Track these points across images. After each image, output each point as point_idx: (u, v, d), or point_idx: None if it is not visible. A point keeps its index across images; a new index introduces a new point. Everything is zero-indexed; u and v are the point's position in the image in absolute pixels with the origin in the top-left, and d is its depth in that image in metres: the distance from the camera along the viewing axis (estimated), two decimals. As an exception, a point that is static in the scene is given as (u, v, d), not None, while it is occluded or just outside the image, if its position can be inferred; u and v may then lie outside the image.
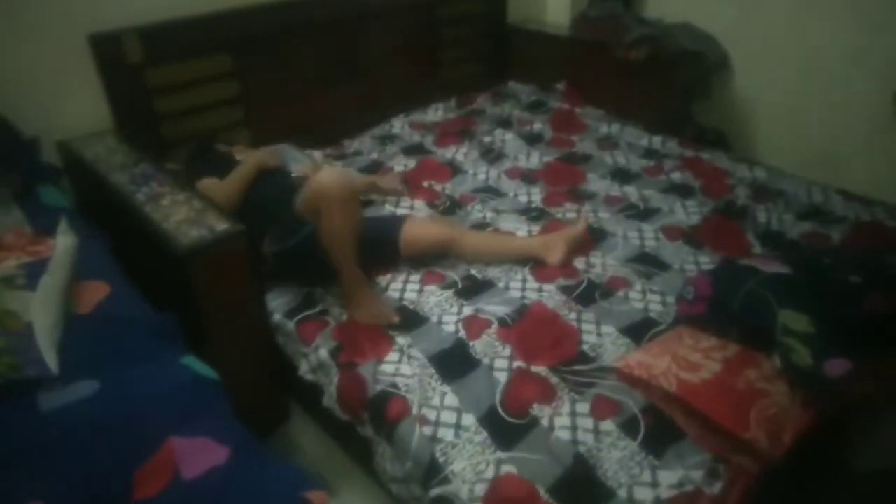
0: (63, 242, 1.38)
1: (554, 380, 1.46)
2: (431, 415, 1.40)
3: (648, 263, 1.85)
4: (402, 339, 1.59)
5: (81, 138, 2.04)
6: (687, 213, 2.09)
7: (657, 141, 2.56)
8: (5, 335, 1.19)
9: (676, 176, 2.31)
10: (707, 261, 1.85)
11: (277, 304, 1.76)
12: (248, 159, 1.92)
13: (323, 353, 1.61)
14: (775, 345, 1.28)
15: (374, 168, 2.44)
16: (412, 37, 2.83)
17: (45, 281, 1.29)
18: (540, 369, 1.49)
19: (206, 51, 2.23)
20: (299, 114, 2.55)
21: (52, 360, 1.19)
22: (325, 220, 1.60)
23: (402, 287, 1.79)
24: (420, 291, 1.77)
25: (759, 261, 1.48)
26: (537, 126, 2.71)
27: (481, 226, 2.05)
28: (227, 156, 2.08)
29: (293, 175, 2.03)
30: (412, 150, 2.56)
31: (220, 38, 2.25)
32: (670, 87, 2.67)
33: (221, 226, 1.57)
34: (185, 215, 1.62)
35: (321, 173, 1.65)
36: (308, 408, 1.85)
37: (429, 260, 1.88)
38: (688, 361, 1.35)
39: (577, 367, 1.49)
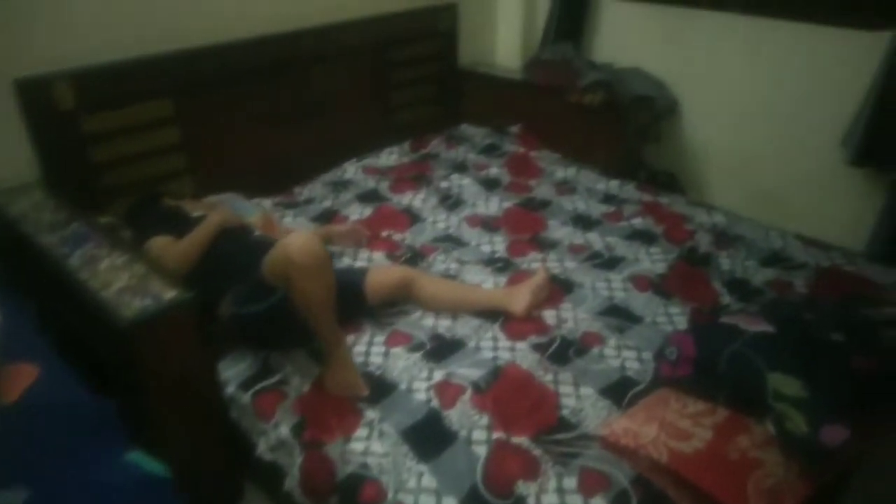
0: (-16, 323, 1.21)
1: (536, 451, 1.38)
2: (408, 499, 1.28)
3: (620, 316, 1.81)
4: (371, 412, 1.48)
5: (5, 192, 1.86)
6: (652, 260, 2.06)
7: (615, 185, 2.55)
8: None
9: (637, 222, 2.29)
10: (678, 311, 1.82)
11: (231, 373, 1.61)
12: (211, 218, 1.79)
13: (284, 430, 1.47)
14: (767, 410, 1.24)
15: (328, 217, 2.33)
16: (363, 79, 2.76)
17: (-38, 370, 1.12)
18: (521, 440, 1.40)
19: (145, 96, 2.10)
20: (246, 160, 2.42)
21: (-29, 468, 1.02)
22: (299, 287, 1.50)
23: (367, 350, 1.68)
24: (386, 354, 1.66)
25: (740, 318, 1.45)
26: (493, 170, 2.67)
27: (446, 278, 1.97)
28: (175, 210, 1.92)
29: (255, 234, 1.90)
30: (367, 196, 2.47)
31: (161, 82, 2.12)
32: (623, 131, 2.69)
33: (169, 293, 1.43)
34: (127, 282, 1.46)
35: (289, 238, 1.54)
36: (267, 491, 1.68)
37: (393, 318, 1.78)
38: (677, 428, 1.29)
39: (559, 437, 1.41)
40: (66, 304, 1.49)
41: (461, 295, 1.85)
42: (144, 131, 2.12)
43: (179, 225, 1.80)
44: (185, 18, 2.15)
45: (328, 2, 2.54)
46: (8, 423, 1.12)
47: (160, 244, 1.71)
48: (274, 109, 2.46)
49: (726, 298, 1.87)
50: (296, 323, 1.55)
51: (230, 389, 1.59)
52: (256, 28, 2.33)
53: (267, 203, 2.39)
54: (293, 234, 1.56)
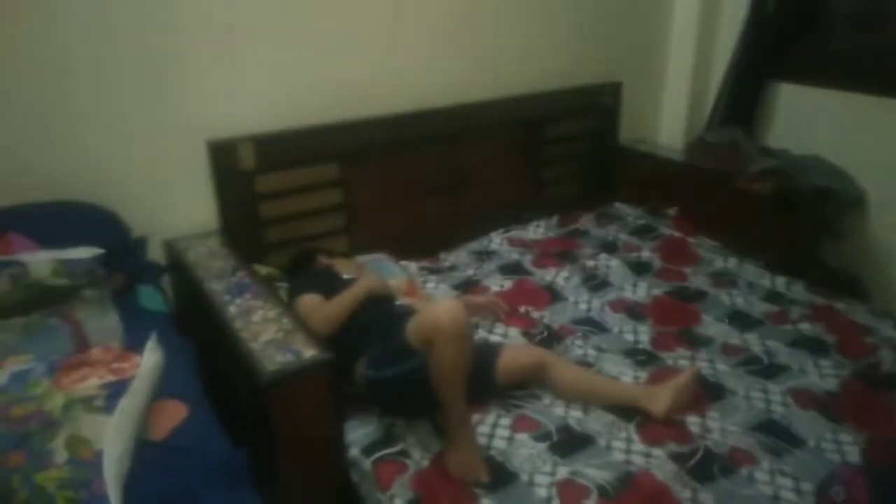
0: (148, 361, 1.33)
1: (665, 581, 1.23)
2: None
3: (777, 435, 1.60)
4: (487, 501, 1.41)
5: (187, 238, 2.07)
6: (821, 375, 1.82)
7: (781, 283, 2.32)
8: (74, 464, 1.13)
9: (806, 327, 2.05)
10: (849, 440, 1.58)
11: (356, 436, 1.63)
12: (360, 284, 1.85)
13: (399, 503, 1.45)
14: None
15: (470, 286, 2.34)
16: (518, 152, 2.79)
17: (124, 403, 1.23)
18: (647, 563, 1.27)
19: (314, 160, 2.26)
20: (398, 224, 2.52)
21: (114, 497, 1.11)
22: (439, 353, 1.50)
23: (491, 431, 1.63)
24: (510, 440, 1.60)
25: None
26: (645, 254, 2.55)
27: (582, 365, 1.88)
28: (328, 271, 2.03)
29: (398, 303, 1.96)
30: (509, 268, 2.45)
31: (329, 148, 2.28)
32: (796, 225, 2.46)
33: (309, 352, 1.49)
34: (274, 335, 1.55)
35: (437, 305, 1.57)
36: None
37: (522, 401, 1.72)
38: (840, 590, 1.09)
39: (693, 567, 1.26)
40: (220, 350, 1.61)
41: (597, 386, 1.75)
42: (310, 191, 2.28)
43: (330, 284, 1.89)
44: (354, 90, 2.31)
45: (493, 78, 2.62)
46: (151, 461, 1.21)
47: (309, 303, 1.80)
48: (427, 178, 2.55)
49: (913, 432, 1.60)
50: (429, 391, 1.55)
51: (354, 452, 1.60)
52: (417, 103, 2.45)
53: (413, 267, 2.46)
54: (443, 300, 1.58)
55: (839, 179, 2.50)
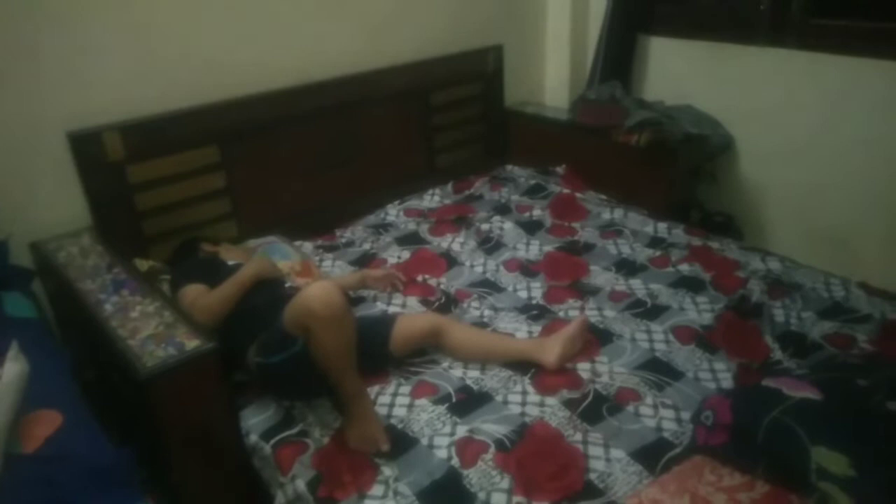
0: (10, 372, 1.25)
1: (558, 520, 1.29)
2: (419, 566, 1.22)
3: (659, 371, 1.70)
4: (388, 470, 1.43)
5: (57, 238, 1.95)
6: (698, 310, 1.95)
7: (663, 228, 2.44)
8: (-71, 489, 1.05)
9: (685, 268, 2.18)
10: (723, 367, 1.70)
11: (254, 423, 1.60)
12: (244, 271, 1.79)
13: (300, 484, 1.44)
14: (809, 489, 1.12)
15: (367, 260, 2.33)
16: (407, 122, 2.78)
17: (-16, 419, 1.15)
18: (542, 506, 1.32)
19: (192, 144, 2.16)
20: (289, 204, 2.47)
21: (-20, 520, 1.04)
22: (316, 338, 1.48)
23: (391, 401, 1.64)
24: (411, 406, 1.62)
25: (784, 382, 1.33)
26: (537, 212, 2.61)
27: (478, 325, 1.92)
28: (211, 258, 1.96)
29: (287, 285, 1.91)
30: (406, 239, 2.46)
31: (207, 130, 2.19)
32: (673, 172, 2.59)
33: (192, 342, 1.44)
34: (154, 329, 1.49)
35: (308, 288, 1.52)
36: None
37: (421, 367, 1.74)
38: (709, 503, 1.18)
39: (583, 504, 1.33)
40: (97, 351, 1.53)
41: (491, 344, 1.80)
42: (190, 178, 2.19)
43: (214, 272, 1.83)
44: (227, 69, 2.22)
45: (371, 48, 2.58)
46: (21, 476, 1.14)
47: (192, 294, 1.73)
48: (316, 154, 2.50)
49: (778, 354, 1.74)
50: (317, 373, 1.53)
51: (253, 438, 1.58)
52: (301, 77, 2.39)
53: (308, 246, 2.42)
54: (314, 284, 1.55)
55: (709, 126, 2.64)
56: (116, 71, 2.00)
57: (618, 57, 2.88)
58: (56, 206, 1.98)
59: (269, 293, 1.79)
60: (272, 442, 1.54)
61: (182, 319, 1.54)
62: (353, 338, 1.52)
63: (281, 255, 2.22)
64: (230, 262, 1.92)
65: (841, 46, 2.29)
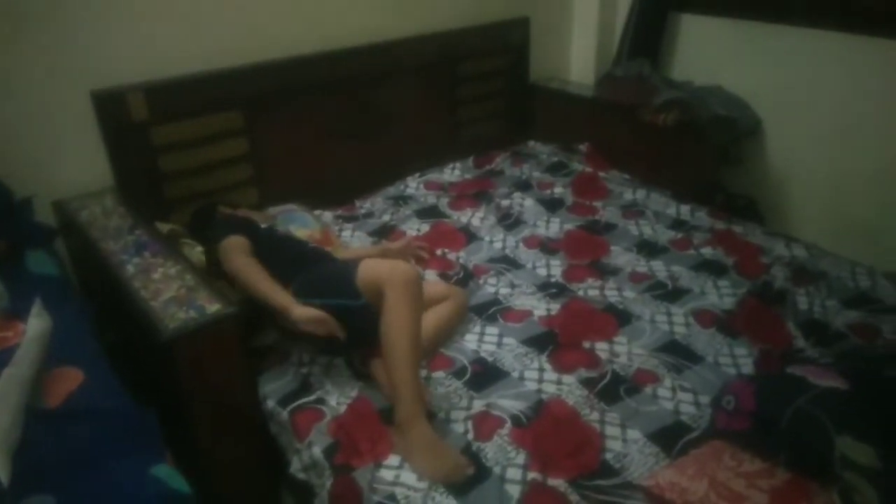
0: (34, 327, 1.26)
1: (573, 497, 1.29)
2: (433, 536, 1.23)
3: (678, 354, 1.69)
4: (404, 440, 1.44)
5: (79, 198, 1.96)
6: (720, 295, 1.92)
7: (686, 210, 2.41)
8: (-45, 440, 1.06)
9: (707, 251, 2.15)
10: (744, 353, 1.68)
11: (271, 388, 1.61)
12: (286, 302, 1.55)
13: (316, 451, 1.45)
14: (833, 479, 1.11)
15: (386, 231, 2.32)
16: (431, 94, 2.74)
17: (8, 373, 1.16)
18: (557, 483, 1.32)
19: (216, 108, 2.15)
20: (310, 172, 2.45)
21: (3, 471, 1.05)
22: (391, 306, 1.47)
23: (408, 373, 1.64)
24: (427, 379, 1.62)
25: (810, 370, 1.31)
26: (558, 190, 2.58)
27: (493, 303, 1.91)
28: (242, 217, 1.91)
29: (311, 246, 1.91)
30: (426, 212, 2.44)
31: (231, 95, 2.17)
32: (699, 153, 2.54)
33: (213, 307, 1.45)
34: (176, 292, 1.50)
35: (400, 263, 1.57)
36: (301, 504, 1.68)
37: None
38: (729, 489, 1.18)
39: (599, 482, 1.32)
40: (119, 311, 1.54)
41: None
42: (213, 142, 2.17)
43: (250, 228, 1.80)
44: (255, 34, 2.20)
45: (397, 18, 2.54)
46: (46, 429, 1.15)
47: (236, 244, 1.66)
48: (339, 123, 2.48)
49: (801, 342, 1.71)
50: (352, 329, 1.55)
51: (270, 404, 1.59)
52: (327, 44, 2.36)
53: (328, 216, 2.41)
54: (391, 261, 1.59)
55: (738, 108, 2.59)
56: (143, 29, 1.98)
57: (647, 34, 2.81)
58: (79, 165, 1.98)
59: (296, 247, 1.82)
60: (289, 408, 1.55)
61: (203, 283, 1.54)
62: (420, 335, 1.52)
63: (301, 223, 2.22)
64: (263, 225, 1.91)
65: (884, 29, 2.21)
